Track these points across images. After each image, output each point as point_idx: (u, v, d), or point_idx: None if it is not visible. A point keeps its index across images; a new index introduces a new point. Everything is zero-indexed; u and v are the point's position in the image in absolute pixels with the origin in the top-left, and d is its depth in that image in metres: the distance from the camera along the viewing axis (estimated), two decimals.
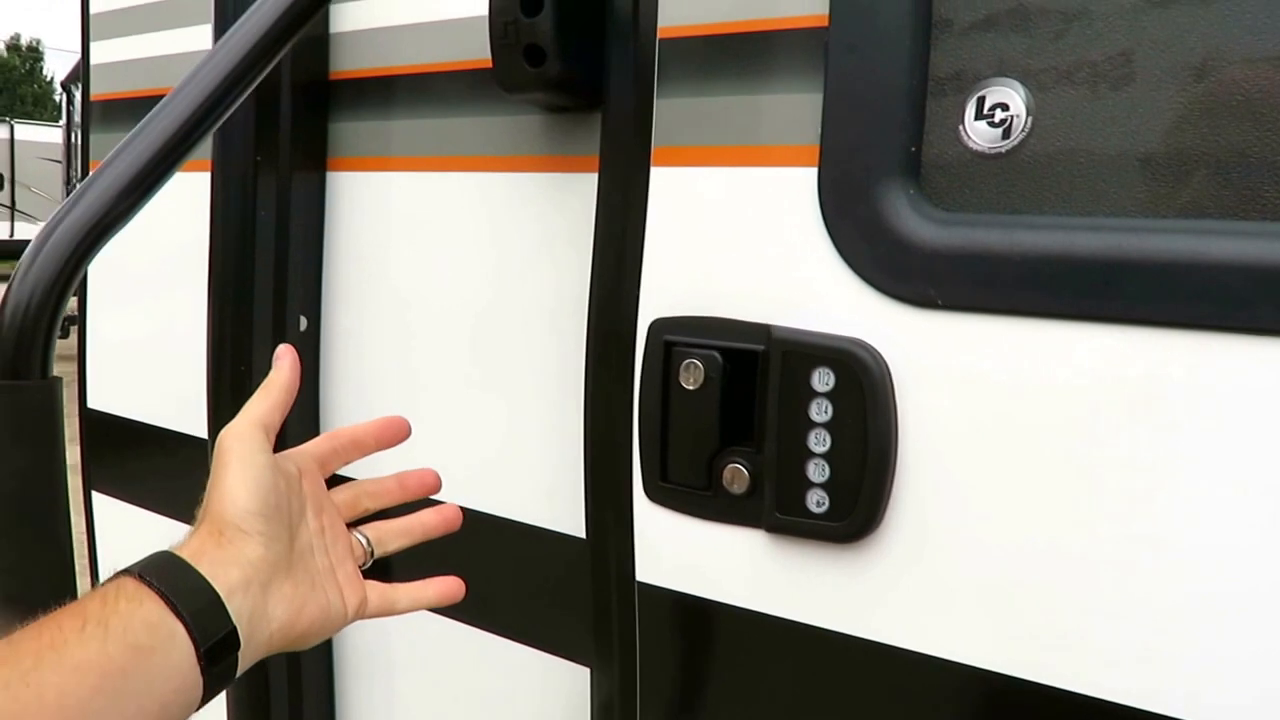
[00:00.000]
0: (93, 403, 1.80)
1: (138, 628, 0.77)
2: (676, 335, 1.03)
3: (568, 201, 1.19)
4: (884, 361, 0.93)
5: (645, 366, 1.05)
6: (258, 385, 1.28)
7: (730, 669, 1.04)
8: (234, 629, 0.83)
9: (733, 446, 1.02)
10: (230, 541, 0.86)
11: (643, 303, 1.05)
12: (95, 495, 1.81)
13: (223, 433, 0.93)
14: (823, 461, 0.96)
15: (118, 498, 1.77)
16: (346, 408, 1.43)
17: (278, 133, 1.30)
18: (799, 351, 0.96)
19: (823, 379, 0.95)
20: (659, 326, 1.04)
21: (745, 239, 1.00)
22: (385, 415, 1.03)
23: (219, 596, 0.82)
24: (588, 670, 1.16)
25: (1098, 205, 0.87)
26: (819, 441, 0.96)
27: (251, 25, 0.87)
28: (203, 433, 1.46)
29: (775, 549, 1.00)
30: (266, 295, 1.33)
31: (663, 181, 1.04)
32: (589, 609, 1.13)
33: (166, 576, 0.81)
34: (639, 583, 1.08)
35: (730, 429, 1.02)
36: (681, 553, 1.05)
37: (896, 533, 0.94)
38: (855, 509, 0.95)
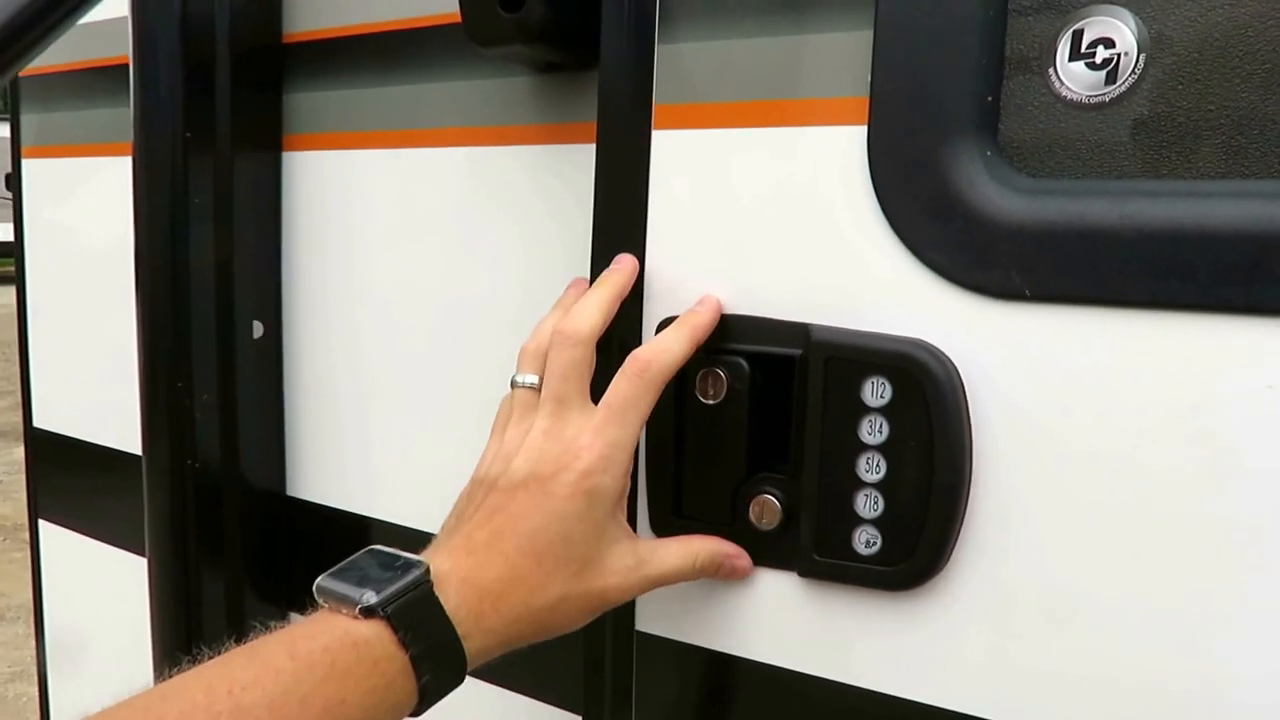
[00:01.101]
0: (39, 421, 1.63)
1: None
2: None
3: (567, 177, 1.02)
4: (954, 369, 0.76)
5: None
6: (198, 404, 1.16)
7: None
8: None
9: (762, 474, 0.86)
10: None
11: (649, 298, 0.89)
12: (42, 524, 1.64)
13: (620, 578, 0.84)
14: (874, 493, 0.80)
15: (64, 525, 1.60)
16: (315, 425, 1.27)
17: (213, 106, 1.13)
18: (846, 357, 0.80)
19: (876, 391, 0.79)
20: None
21: (775, 216, 0.83)
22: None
23: (465, 671, 0.77)
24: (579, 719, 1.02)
25: (1234, 168, 0.69)
26: (870, 468, 0.80)
27: None
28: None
29: (811, 597, 0.85)
30: (207, 297, 1.16)
31: (668, 147, 0.87)
32: (581, 654, 0.99)
33: (433, 665, 0.75)
34: (639, 632, 0.94)
35: (759, 452, 0.86)
36: (693, 598, 0.91)
37: (965, 580, 0.79)
38: (915, 551, 0.79)
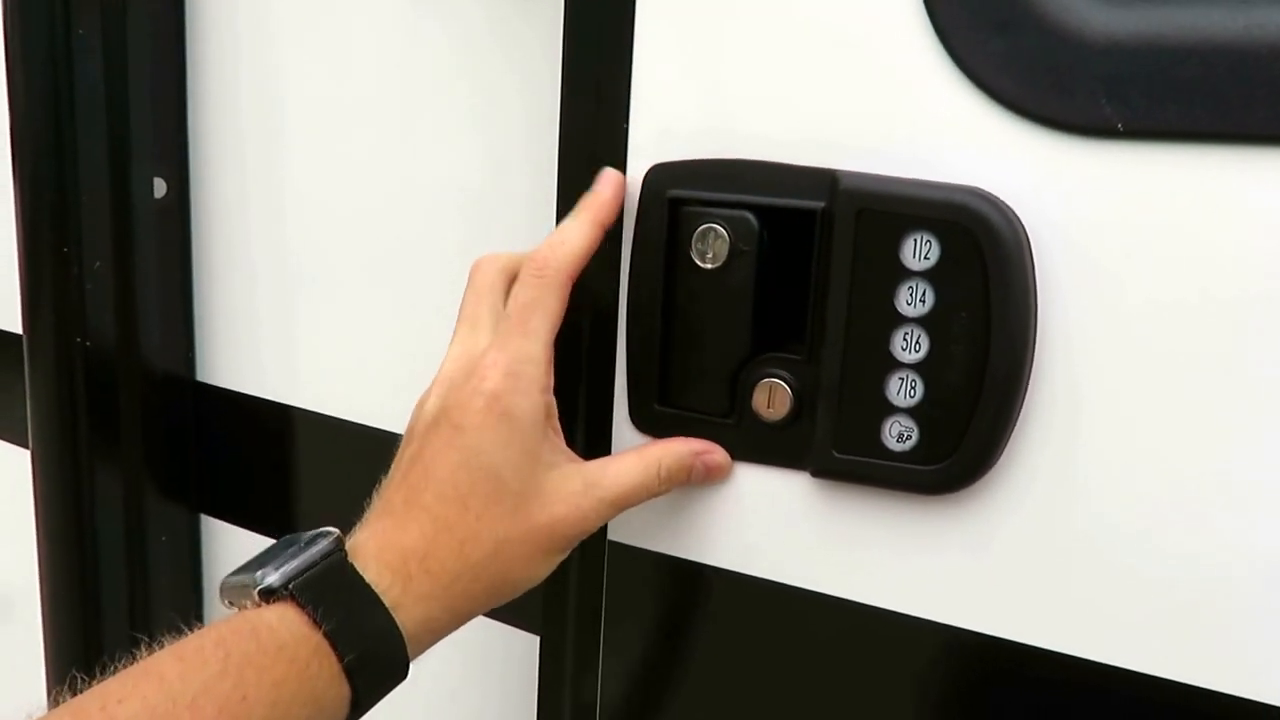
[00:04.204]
0: None
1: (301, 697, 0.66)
2: (688, 189, 0.76)
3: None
4: (1019, 223, 0.66)
5: (639, 235, 0.78)
6: (88, 273, 1.07)
7: (744, 656, 0.83)
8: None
9: (770, 354, 0.76)
10: (465, 620, 0.76)
11: (634, 139, 0.78)
12: None
13: (563, 505, 0.76)
14: (912, 376, 0.71)
15: None
16: (229, 300, 1.18)
17: None
18: (883, 209, 0.69)
19: (920, 250, 0.68)
20: (661, 176, 0.77)
21: (793, 33, 0.71)
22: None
23: (406, 652, 0.71)
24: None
25: None
26: (908, 346, 0.70)
27: None
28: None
29: (826, 501, 0.77)
30: (97, 147, 1.05)
31: None
32: None
33: (376, 684, 0.70)
34: (611, 543, 0.86)
35: (767, 328, 0.76)
36: (680, 503, 0.82)
37: (1019, 482, 0.70)
38: (959, 447, 0.70)
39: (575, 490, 0.75)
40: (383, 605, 0.69)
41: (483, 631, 1.04)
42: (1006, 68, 0.64)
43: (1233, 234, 0.61)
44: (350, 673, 0.67)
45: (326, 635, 0.66)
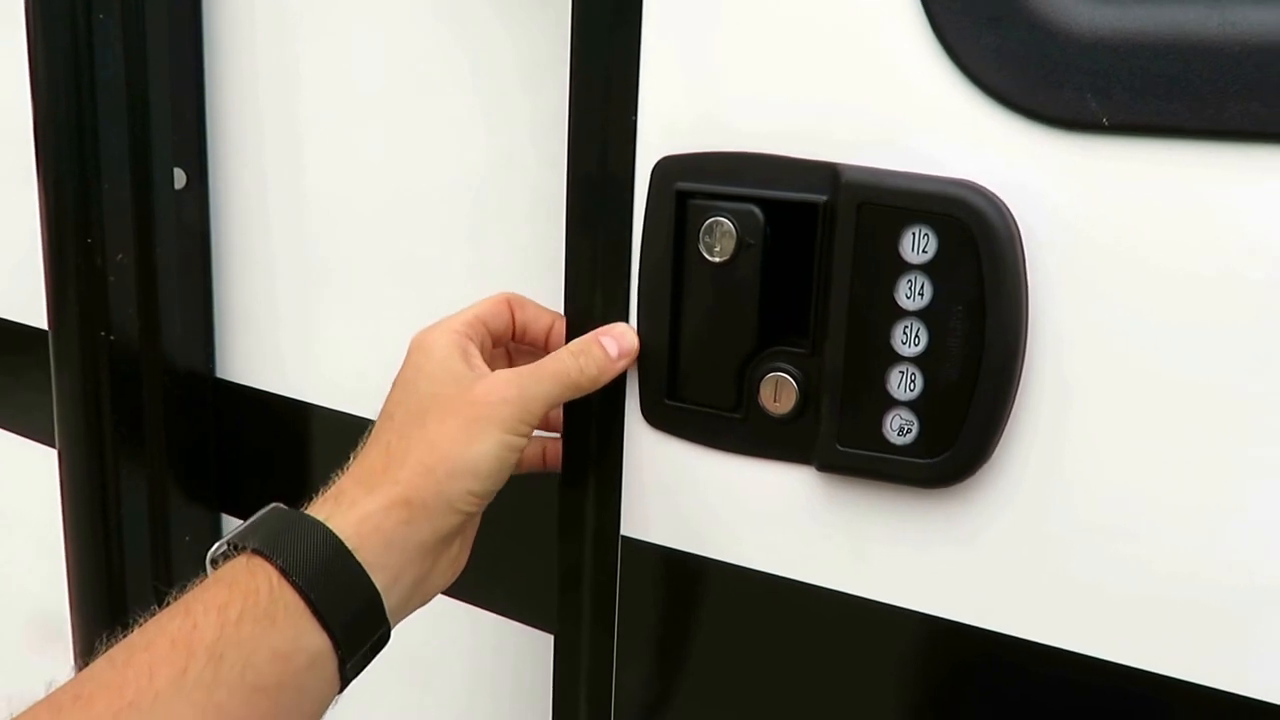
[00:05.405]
0: None
1: (284, 651, 0.71)
2: (695, 182, 0.79)
3: None
4: (1012, 217, 0.69)
5: (648, 229, 0.82)
6: (111, 265, 1.10)
7: (754, 652, 0.86)
8: (387, 633, 0.78)
9: (776, 347, 0.80)
10: (425, 518, 0.78)
11: (643, 132, 0.81)
12: None
13: (490, 383, 0.81)
14: (912, 369, 0.74)
15: None
16: (248, 295, 1.21)
17: None
18: (882, 202, 0.72)
19: (918, 244, 0.72)
20: (668, 170, 0.80)
21: (794, 30, 0.75)
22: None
23: (381, 604, 0.76)
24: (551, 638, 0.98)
25: None
26: (908, 339, 0.73)
27: None
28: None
29: (831, 495, 0.80)
30: (119, 139, 1.08)
31: None
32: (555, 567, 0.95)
33: (324, 582, 0.73)
34: (624, 538, 0.89)
35: (773, 322, 0.79)
36: (689, 498, 0.85)
37: (1014, 475, 0.73)
38: (957, 440, 0.73)
39: (497, 376, 0.81)
40: (309, 518, 0.75)
41: (498, 631, 1.08)
42: (998, 62, 0.67)
43: (1213, 227, 0.64)
44: (285, 573, 0.72)
45: (255, 551, 0.73)
